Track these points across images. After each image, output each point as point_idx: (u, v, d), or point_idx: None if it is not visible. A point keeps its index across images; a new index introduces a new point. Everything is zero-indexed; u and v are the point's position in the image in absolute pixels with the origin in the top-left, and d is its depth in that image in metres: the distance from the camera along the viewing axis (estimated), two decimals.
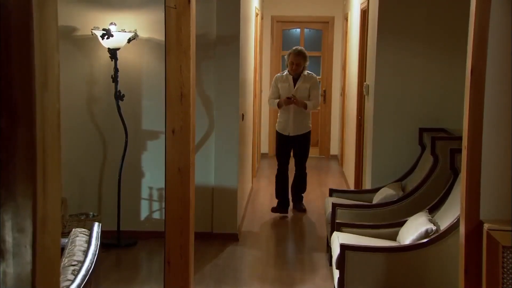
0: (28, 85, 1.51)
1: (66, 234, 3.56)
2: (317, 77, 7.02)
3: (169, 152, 3.38)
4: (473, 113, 3.13)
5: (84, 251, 3.05)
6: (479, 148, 3.16)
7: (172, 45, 3.32)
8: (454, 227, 3.78)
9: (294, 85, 6.59)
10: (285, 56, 6.71)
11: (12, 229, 1.47)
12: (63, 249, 3.17)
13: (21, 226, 1.48)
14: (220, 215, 5.74)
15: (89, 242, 3.15)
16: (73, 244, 3.14)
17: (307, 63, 6.65)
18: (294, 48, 6.69)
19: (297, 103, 6.49)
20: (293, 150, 6.79)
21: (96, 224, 3.32)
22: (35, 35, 1.50)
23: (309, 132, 6.78)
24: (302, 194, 6.99)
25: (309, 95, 6.60)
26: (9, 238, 1.47)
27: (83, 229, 3.34)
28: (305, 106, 6.54)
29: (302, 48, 6.78)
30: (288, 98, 6.49)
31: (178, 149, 3.37)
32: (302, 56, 6.55)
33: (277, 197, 6.82)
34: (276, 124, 6.86)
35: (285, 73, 6.70)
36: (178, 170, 3.40)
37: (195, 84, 3.43)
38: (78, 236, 3.23)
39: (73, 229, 3.35)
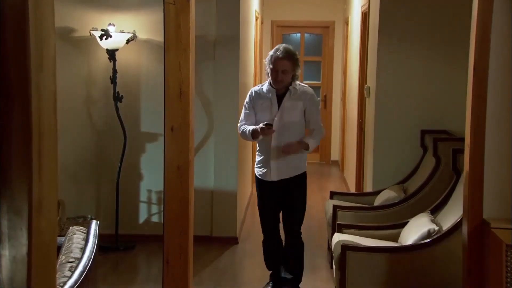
0: (24, 65, 1.48)
1: (63, 236, 3.51)
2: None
3: (168, 150, 3.33)
4: (476, 110, 3.11)
5: (81, 248, 3.01)
6: (482, 146, 3.13)
7: (171, 42, 3.29)
8: (457, 227, 3.74)
9: (279, 105, 4.29)
10: (265, 61, 4.36)
11: (8, 211, 1.44)
12: (60, 247, 3.13)
13: (16, 208, 1.44)
14: (219, 218, 5.68)
15: (86, 240, 3.11)
16: (70, 242, 3.09)
17: (299, 69, 4.32)
18: (277, 47, 4.30)
19: (290, 148, 4.27)
20: (282, 202, 4.43)
21: (94, 222, 3.28)
22: (30, 14, 1.47)
23: (303, 174, 4.43)
24: (299, 286, 4.55)
25: (307, 120, 4.35)
26: (4, 220, 1.44)
27: (81, 227, 3.30)
28: (307, 147, 4.29)
29: (289, 47, 4.32)
30: (267, 125, 4.16)
31: (177, 147, 3.33)
32: (290, 59, 4.21)
33: (269, 268, 4.69)
34: (255, 166, 4.51)
35: (265, 86, 4.35)
36: (177, 168, 3.36)
37: (194, 81, 3.39)
38: (76, 233, 3.18)
39: (71, 227, 3.31)
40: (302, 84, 4.44)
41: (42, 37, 1.52)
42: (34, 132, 1.49)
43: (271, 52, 4.29)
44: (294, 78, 4.30)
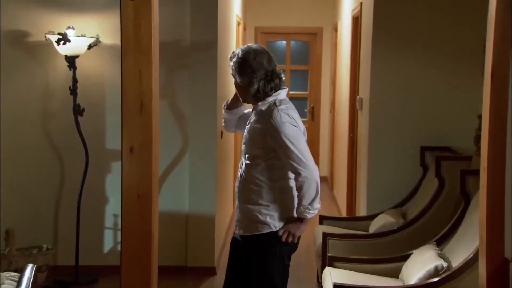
0: None
1: (11, 272, 2.92)
2: (283, 112, 3.11)
3: (127, 175, 2.87)
4: (495, 127, 2.77)
5: None
6: (502, 170, 2.79)
7: (130, 45, 2.86)
8: (470, 263, 3.38)
9: None
10: None
11: None
12: None
13: None
14: (195, 246, 5.30)
15: None
16: None
17: (259, 79, 3.08)
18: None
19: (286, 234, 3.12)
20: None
21: (30, 267, 2.68)
22: None
23: (267, 236, 3.12)
24: None
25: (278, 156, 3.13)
26: None
27: (13, 274, 2.70)
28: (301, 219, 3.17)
29: (242, 51, 3.16)
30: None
31: (137, 170, 2.89)
32: (236, 71, 3.14)
33: None
34: None
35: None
36: (137, 196, 2.94)
37: (158, 92, 2.93)
38: (5, 283, 2.58)
39: (0, 274, 2.71)
40: (268, 101, 3.11)
41: None
42: None
43: None
44: (264, 90, 3.09)
